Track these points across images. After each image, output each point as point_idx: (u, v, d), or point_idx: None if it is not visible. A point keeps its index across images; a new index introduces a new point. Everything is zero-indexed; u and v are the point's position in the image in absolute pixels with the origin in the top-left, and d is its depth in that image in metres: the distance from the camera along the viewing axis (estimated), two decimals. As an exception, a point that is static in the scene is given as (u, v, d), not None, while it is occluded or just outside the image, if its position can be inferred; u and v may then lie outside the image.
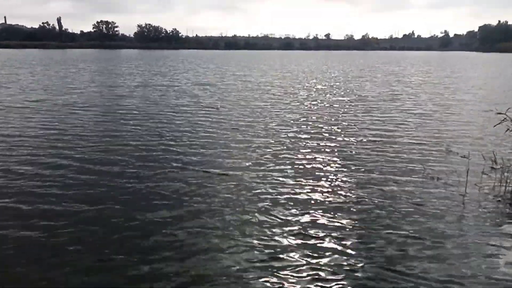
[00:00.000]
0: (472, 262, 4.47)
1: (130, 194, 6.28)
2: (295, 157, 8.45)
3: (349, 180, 7.09)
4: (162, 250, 4.63)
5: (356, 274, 4.21)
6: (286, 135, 10.46)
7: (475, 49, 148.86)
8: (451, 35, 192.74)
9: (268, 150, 8.96)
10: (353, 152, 8.97)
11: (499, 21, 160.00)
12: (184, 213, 5.64)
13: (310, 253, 4.61)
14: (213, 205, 5.87)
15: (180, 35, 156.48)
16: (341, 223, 5.38)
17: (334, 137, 10.34)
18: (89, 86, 21.77)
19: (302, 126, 11.72)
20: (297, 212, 5.70)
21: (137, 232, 5.05)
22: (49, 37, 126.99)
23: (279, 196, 6.26)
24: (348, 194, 6.45)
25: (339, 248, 4.73)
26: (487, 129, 11.01)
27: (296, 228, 5.22)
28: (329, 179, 7.11)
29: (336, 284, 4.05)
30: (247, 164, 7.89)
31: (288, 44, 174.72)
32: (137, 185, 6.66)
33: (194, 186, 6.65)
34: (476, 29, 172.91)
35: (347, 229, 5.21)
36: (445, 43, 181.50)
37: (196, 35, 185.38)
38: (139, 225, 5.25)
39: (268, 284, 4.03)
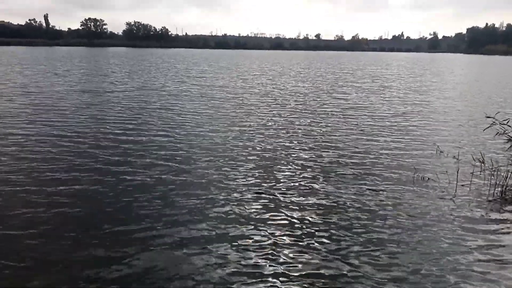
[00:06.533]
0: (462, 259, 4.53)
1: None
2: (287, 155, 8.48)
3: (340, 180, 7.12)
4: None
5: (345, 267, 4.24)
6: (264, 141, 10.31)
7: (462, 50, 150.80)
8: (440, 36, 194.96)
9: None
10: (344, 152, 9.01)
11: (487, 24, 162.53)
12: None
13: (294, 254, 4.63)
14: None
15: (169, 33, 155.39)
16: (332, 222, 5.41)
17: (324, 140, 10.37)
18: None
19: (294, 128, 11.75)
20: (287, 211, 5.73)
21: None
22: (36, 34, 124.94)
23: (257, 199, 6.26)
24: (339, 193, 6.47)
25: (328, 244, 4.77)
26: (478, 132, 11.16)
27: (282, 224, 5.25)
28: (319, 180, 7.13)
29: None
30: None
31: (278, 44, 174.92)
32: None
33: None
34: (464, 31, 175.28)
35: (337, 229, 5.24)
36: (433, 44, 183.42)
37: (186, 33, 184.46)
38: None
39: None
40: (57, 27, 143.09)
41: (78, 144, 9.19)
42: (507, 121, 7.45)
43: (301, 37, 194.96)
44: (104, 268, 4.26)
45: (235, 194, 6.31)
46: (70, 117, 12.39)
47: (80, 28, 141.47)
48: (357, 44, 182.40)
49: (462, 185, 6.94)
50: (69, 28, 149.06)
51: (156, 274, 4.18)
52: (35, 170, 7.28)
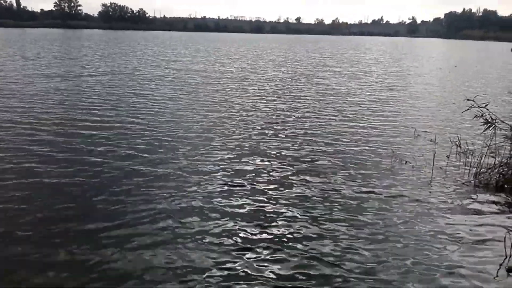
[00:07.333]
0: (436, 241, 4.53)
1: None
2: (256, 142, 8.31)
3: (317, 167, 7.03)
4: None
5: (322, 255, 4.14)
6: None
7: (441, 35, 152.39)
8: (418, 21, 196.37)
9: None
10: (321, 137, 8.93)
11: (464, 9, 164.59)
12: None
13: (273, 247, 4.54)
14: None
15: (147, 15, 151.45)
16: (309, 210, 5.32)
17: (299, 124, 10.26)
18: None
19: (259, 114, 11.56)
20: (260, 199, 5.60)
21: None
22: (7, 15, 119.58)
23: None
24: (316, 180, 6.38)
25: (304, 234, 4.70)
26: (455, 116, 11.26)
27: (260, 216, 5.13)
28: (296, 168, 7.02)
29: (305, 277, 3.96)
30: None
31: (258, 27, 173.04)
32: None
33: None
34: (442, 16, 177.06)
35: (313, 217, 5.14)
36: (412, 29, 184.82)
37: (164, 15, 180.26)
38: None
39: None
40: (29, 8, 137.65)
41: (44, 132, 8.65)
42: (485, 104, 7.46)
43: (282, 21, 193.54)
44: (68, 268, 4.06)
45: (209, 187, 6.01)
46: (36, 103, 11.71)
47: (54, 9, 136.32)
48: (337, 28, 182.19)
49: (438, 168, 6.95)
50: (42, 9, 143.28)
51: (125, 271, 4.02)
52: None
